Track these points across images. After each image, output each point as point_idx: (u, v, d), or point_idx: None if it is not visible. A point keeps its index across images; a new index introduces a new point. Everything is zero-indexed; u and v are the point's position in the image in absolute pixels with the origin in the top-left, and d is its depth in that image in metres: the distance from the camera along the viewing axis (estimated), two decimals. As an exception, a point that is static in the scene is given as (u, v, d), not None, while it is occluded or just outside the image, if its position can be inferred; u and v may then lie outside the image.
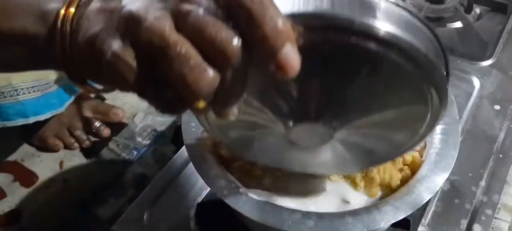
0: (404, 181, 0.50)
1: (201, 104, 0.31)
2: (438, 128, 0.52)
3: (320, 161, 0.49)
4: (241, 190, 0.48)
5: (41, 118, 0.89)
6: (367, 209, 0.46)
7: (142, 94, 0.32)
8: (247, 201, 0.47)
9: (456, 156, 0.50)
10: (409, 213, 0.46)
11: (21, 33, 0.35)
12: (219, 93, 0.30)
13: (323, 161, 0.48)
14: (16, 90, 0.83)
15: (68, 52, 0.34)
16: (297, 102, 0.40)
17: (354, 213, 0.46)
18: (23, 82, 0.84)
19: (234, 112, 0.34)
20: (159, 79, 0.31)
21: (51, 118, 0.93)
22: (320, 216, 0.46)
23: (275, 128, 0.43)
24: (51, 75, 0.89)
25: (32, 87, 0.86)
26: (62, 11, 0.34)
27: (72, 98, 0.95)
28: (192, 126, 0.53)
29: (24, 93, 0.85)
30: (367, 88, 0.38)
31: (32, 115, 0.88)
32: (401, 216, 0.45)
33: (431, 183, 0.47)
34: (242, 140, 0.47)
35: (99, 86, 0.37)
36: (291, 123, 0.41)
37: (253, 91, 0.36)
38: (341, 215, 0.46)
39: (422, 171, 0.49)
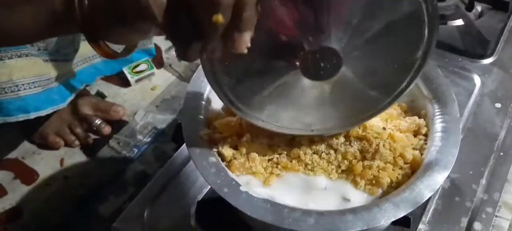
0: (405, 179, 0.50)
1: (220, 19, 0.34)
2: (439, 126, 0.52)
3: (326, 115, 0.50)
4: (241, 188, 0.48)
5: (42, 113, 0.89)
6: (367, 207, 0.46)
7: (165, 24, 0.35)
8: (247, 199, 0.47)
9: (456, 154, 0.50)
10: (409, 211, 0.46)
11: None
12: (236, 9, 0.34)
13: (329, 114, 0.50)
14: (17, 86, 0.83)
15: (86, 7, 0.35)
16: (306, 31, 0.43)
17: (355, 210, 0.46)
18: (24, 78, 0.84)
19: (246, 41, 0.37)
20: (180, 5, 0.34)
21: (51, 114, 0.92)
22: (320, 214, 0.46)
23: (286, 67, 0.46)
24: (52, 71, 0.89)
25: (33, 83, 0.85)
26: None
27: (73, 94, 0.95)
28: (193, 124, 0.53)
29: (25, 89, 0.84)
30: (366, 5, 0.43)
31: (33, 111, 0.87)
32: (401, 214, 0.45)
33: (432, 180, 0.47)
34: (253, 95, 0.48)
35: (117, 49, 0.39)
36: (300, 56, 0.45)
37: (262, 29, 0.39)
38: (341, 213, 0.46)
39: (423, 169, 0.49)
